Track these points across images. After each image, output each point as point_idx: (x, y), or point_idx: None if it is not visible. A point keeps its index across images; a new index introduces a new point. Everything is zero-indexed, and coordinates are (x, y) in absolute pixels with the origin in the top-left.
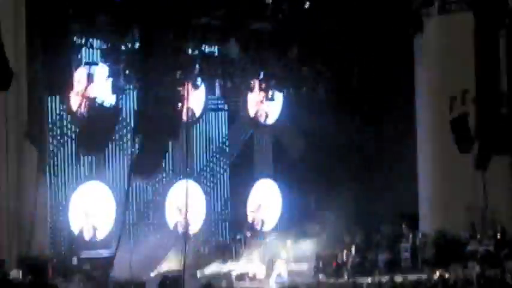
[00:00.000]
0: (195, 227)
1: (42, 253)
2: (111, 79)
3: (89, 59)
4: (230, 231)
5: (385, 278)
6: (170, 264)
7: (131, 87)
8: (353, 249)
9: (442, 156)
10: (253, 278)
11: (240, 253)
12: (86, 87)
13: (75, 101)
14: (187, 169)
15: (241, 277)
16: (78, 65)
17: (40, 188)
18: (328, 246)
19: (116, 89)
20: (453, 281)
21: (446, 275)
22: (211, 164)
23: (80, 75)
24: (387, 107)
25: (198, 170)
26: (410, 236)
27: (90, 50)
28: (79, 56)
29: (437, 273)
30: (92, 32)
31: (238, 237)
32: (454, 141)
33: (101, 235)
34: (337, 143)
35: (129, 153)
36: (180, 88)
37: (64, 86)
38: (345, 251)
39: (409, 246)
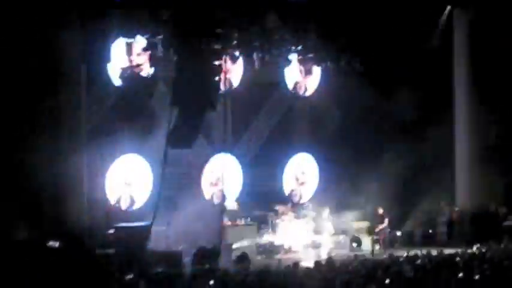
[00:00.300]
0: (231, 199)
1: (79, 224)
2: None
3: (126, 30)
4: (267, 203)
5: (421, 252)
6: (206, 236)
7: (169, 57)
8: (387, 222)
9: (479, 132)
10: (289, 250)
11: (277, 225)
12: (124, 58)
13: (113, 72)
14: (225, 141)
15: (277, 249)
16: (116, 37)
17: (77, 158)
18: (364, 219)
19: (154, 61)
20: (490, 256)
21: (483, 250)
22: (248, 136)
23: (117, 47)
24: (425, 78)
25: (235, 142)
26: (448, 210)
27: (128, 21)
28: (117, 28)
29: (474, 248)
30: (130, 3)
31: (275, 209)
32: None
33: (137, 205)
34: (374, 115)
35: (166, 124)
36: (218, 60)
37: (101, 56)
38: (381, 225)
39: (446, 221)
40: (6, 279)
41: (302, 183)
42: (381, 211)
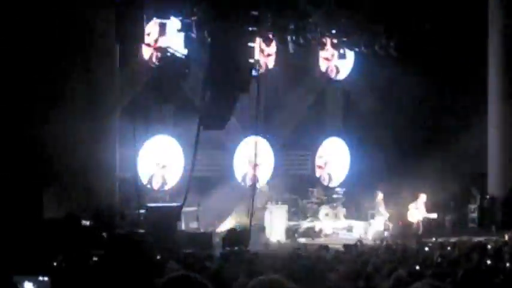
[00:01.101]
0: (262, 181)
1: (111, 204)
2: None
3: (161, 11)
4: (298, 186)
5: (451, 239)
6: (237, 217)
7: (203, 39)
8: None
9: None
10: (318, 234)
11: (308, 209)
12: (157, 39)
13: (146, 52)
14: (257, 124)
15: (308, 233)
16: (150, 17)
17: (110, 138)
18: (396, 204)
19: (188, 42)
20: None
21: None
22: (281, 119)
23: (151, 27)
24: (459, 65)
25: (268, 124)
26: (479, 197)
27: (163, 2)
28: (151, 8)
29: (505, 236)
30: None
31: (305, 193)
32: None
33: (169, 186)
34: (407, 100)
35: (198, 105)
36: (252, 42)
37: (136, 36)
38: (412, 211)
39: (477, 208)
40: (38, 257)
41: (332, 167)
42: (423, 197)
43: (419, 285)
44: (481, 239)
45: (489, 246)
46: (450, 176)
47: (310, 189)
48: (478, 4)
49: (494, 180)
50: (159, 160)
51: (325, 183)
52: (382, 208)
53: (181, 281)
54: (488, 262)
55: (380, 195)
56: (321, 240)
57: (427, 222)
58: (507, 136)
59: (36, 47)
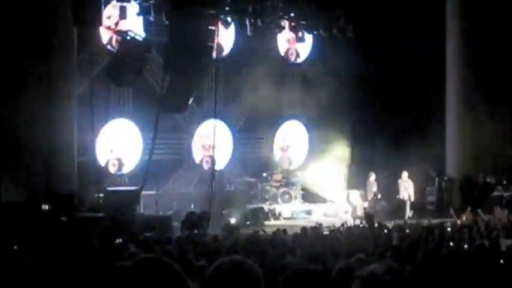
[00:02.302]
0: (221, 165)
1: (69, 187)
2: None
3: None
4: (257, 170)
5: (410, 221)
6: (196, 201)
7: (162, 22)
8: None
9: (470, 103)
10: (277, 217)
11: (267, 191)
12: (117, 22)
13: (105, 35)
14: (215, 107)
15: (266, 216)
16: (109, 0)
17: (68, 121)
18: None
19: (147, 26)
20: (478, 225)
21: (472, 220)
22: (239, 102)
23: (111, 10)
24: (416, 47)
25: (226, 108)
26: (437, 179)
27: None
28: None
29: (463, 218)
30: None
31: (264, 176)
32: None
33: (126, 169)
34: (364, 83)
35: (158, 89)
36: (211, 25)
37: (93, 19)
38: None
39: (435, 190)
40: None
41: (291, 150)
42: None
43: (376, 267)
44: (439, 221)
45: (448, 229)
46: (409, 157)
47: (269, 172)
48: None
49: (452, 162)
50: (117, 143)
51: (285, 166)
52: (374, 188)
53: (148, 263)
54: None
55: (373, 176)
56: (280, 223)
57: (382, 204)
58: (465, 118)
59: None
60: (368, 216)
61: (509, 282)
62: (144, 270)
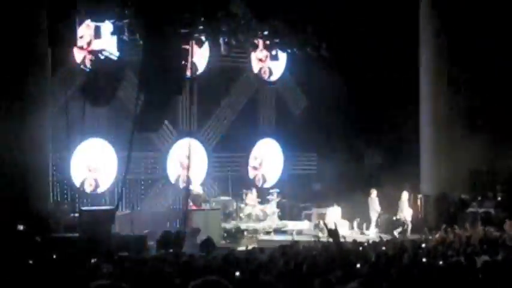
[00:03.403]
0: (196, 184)
1: (44, 207)
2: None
3: (93, 14)
4: (232, 188)
5: (385, 238)
6: (171, 220)
7: (136, 42)
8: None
9: (445, 119)
10: (253, 235)
11: (242, 210)
12: (90, 42)
13: (78, 55)
14: (190, 126)
15: (242, 234)
16: (82, 20)
17: (42, 141)
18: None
19: (121, 45)
20: (454, 242)
21: (447, 237)
22: (214, 121)
23: (84, 30)
24: (391, 67)
25: (201, 126)
26: (411, 197)
27: (95, 5)
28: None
29: (438, 235)
30: None
31: (240, 194)
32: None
33: (102, 189)
34: (339, 102)
35: (132, 108)
36: (185, 44)
37: (68, 39)
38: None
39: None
40: None
41: (265, 169)
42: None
43: (354, 286)
44: (415, 237)
45: (423, 245)
46: (384, 175)
47: (244, 191)
48: (409, 11)
49: (427, 180)
50: (91, 163)
51: (259, 184)
52: (376, 205)
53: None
54: (423, 260)
55: (374, 193)
56: (256, 241)
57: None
58: (439, 135)
59: None
60: (332, 233)
61: None
62: None
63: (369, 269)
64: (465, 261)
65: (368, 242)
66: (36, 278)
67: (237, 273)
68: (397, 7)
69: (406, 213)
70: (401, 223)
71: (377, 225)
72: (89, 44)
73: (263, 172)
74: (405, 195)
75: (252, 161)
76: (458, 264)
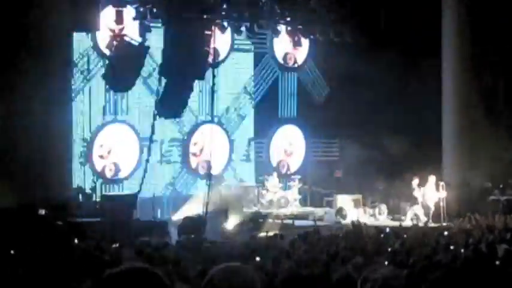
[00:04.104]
0: (217, 169)
1: (66, 192)
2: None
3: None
4: (254, 174)
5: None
6: (193, 205)
7: (158, 27)
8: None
9: (467, 107)
10: (274, 221)
11: (263, 196)
12: (114, 27)
13: (103, 39)
14: (212, 111)
15: (264, 220)
16: (106, 4)
17: (65, 127)
18: (350, 192)
19: (143, 30)
20: (475, 230)
21: (469, 225)
22: (236, 106)
23: (107, 14)
24: (414, 50)
25: (223, 111)
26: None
27: None
28: None
29: (459, 222)
30: None
31: (262, 180)
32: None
33: (123, 174)
34: (363, 88)
35: (154, 93)
36: (207, 30)
37: (92, 23)
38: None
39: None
40: None
41: (289, 155)
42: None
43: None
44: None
45: (445, 233)
46: (404, 162)
47: (265, 177)
48: None
49: (449, 168)
50: (113, 148)
51: (283, 171)
52: (417, 193)
53: (134, 273)
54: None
55: (416, 181)
56: (277, 227)
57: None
58: (461, 123)
59: None
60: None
61: (506, 286)
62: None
63: (390, 257)
64: (486, 250)
65: (389, 228)
66: (57, 263)
67: (258, 258)
68: None
69: (430, 198)
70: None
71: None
72: (111, 29)
73: (286, 158)
74: (432, 179)
75: (275, 147)
76: (479, 252)
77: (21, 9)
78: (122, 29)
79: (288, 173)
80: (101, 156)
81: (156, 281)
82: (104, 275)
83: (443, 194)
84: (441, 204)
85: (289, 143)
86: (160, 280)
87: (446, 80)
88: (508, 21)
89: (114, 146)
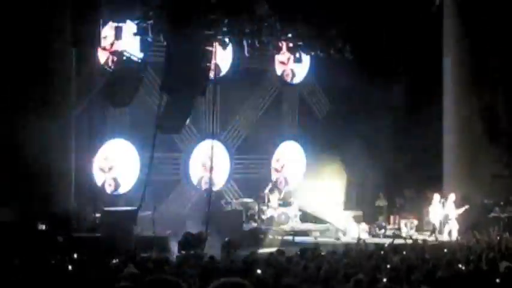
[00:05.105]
0: (218, 186)
1: (67, 207)
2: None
3: (117, 15)
4: (254, 190)
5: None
6: (193, 221)
7: (159, 43)
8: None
9: (468, 124)
10: (275, 238)
11: (263, 212)
12: (113, 43)
13: (102, 56)
14: (213, 127)
15: (264, 235)
16: (106, 21)
17: (66, 141)
18: (351, 208)
19: (144, 46)
20: (475, 246)
21: (469, 240)
22: (236, 122)
23: (107, 31)
24: (415, 69)
25: (223, 128)
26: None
27: (119, 5)
28: (107, 12)
29: (459, 238)
30: None
31: (262, 196)
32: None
33: (123, 189)
34: (363, 104)
35: (155, 109)
36: (208, 46)
37: (92, 40)
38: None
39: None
40: None
41: (287, 171)
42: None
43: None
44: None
45: (445, 250)
46: (407, 179)
47: (266, 193)
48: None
49: (450, 184)
50: (112, 164)
51: (282, 187)
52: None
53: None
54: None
55: (452, 197)
56: (278, 243)
57: (379, 225)
58: (463, 140)
59: None
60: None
61: None
62: None
63: (390, 273)
64: (486, 267)
65: (388, 245)
66: (58, 278)
67: (259, 271)
68: (421, 10)
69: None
70: (432, 226)
71: (440, 231)
72: (112, 44)
73: (285, 174)
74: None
75: (274, 164)
76: (479, 269)
77: (25, 25)
78: (122, 45)
79: (287, 188)
80: (102, 170)
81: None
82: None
83: (460, 210)
84: (442, 221)
85: (288, 160)
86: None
87: (447, 96)
88: (508, 38)
89: (114, 161)
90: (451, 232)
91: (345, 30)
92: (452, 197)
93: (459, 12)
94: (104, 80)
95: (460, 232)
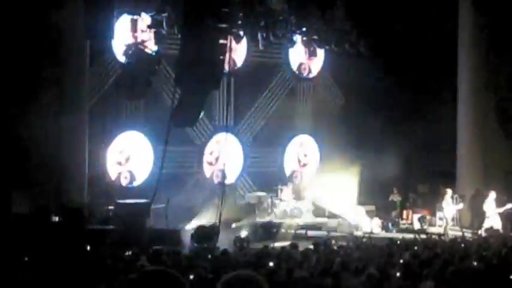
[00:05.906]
0: (231, 179)
1: (80, 200)
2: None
3: (131, 7)
4: (267, 184)
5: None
6: (206, 214)
7: (174, 36)
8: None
9: (482, 119)
10: (287, 231)
11: (276, 206)
12: (128, 35)
13: (117, 48)
14: (227, 121)
15: (276, 230)
16: (121, 13)
17: (79, 134)
18: (363, 202)
19: (158, 39)
20: (488, 241)
21: (481, 235)
22: (251, 116)
23: (121, 23)
24: (429, 63)
25: (237, 121)
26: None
27: None
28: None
29: (472, 233)
30: None
31: (275, 189)
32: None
33: (137, 182)
34: (378, 98)
35: (169, 102)
36: (223, 39)
37: (106, 32)
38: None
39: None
40: (6, 252)
41: (304, 165)
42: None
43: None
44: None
45: (462, 245)
46: (421, 174)
47: (280, 187)
48: (448, 7)
49: (463, 179)
50: (127, 156)
51: (296, 181)
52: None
53: (155, 275)
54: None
55: (449, 192)
56: (290, 237)
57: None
58: (476, 136)
59: (5, 47)
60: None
61: None
62: (150, 282)
63: (403, 268)
64: (499, 263)
65: (401, 240)
66: (70, 270)
67: (271, 264)
68: (436, 4)
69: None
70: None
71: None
72: (127, 37)
73: (300, 169)
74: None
75: (289, 157)
76: (492, 265)
77: (38, 17)
78: (136, 37)
79: (301, 182)
80: (119, 163)
81: (176, 283)
82: (127, 279)
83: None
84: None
85: (304, 154)
86: (179, 282)
87: (462, 91)
88: None
89: (129, 154)
90: (491, 228)
91: (359, 25)
92: (493, 194)
93: (475, 4)
94: (118, 73)
95: (504, 228)
